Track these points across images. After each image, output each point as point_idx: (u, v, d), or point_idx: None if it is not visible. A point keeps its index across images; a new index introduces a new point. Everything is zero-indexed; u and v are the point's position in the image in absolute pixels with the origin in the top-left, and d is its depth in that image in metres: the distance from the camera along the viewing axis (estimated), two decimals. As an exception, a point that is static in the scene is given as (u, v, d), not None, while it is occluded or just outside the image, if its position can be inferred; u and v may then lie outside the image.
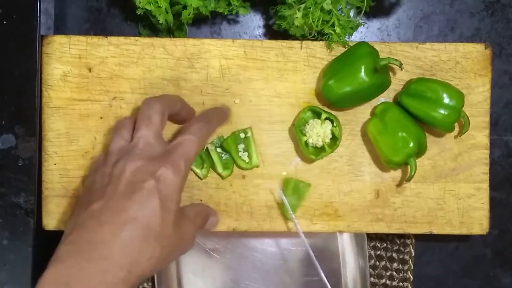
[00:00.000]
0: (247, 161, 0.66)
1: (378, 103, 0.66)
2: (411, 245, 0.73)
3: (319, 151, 0.65)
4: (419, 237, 0.74)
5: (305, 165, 0.67)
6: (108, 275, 0.48)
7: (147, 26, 0.73)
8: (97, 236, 0.49)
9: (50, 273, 0.49)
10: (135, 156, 0.53)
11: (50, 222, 0.66)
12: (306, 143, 0.64)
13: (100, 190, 0.53)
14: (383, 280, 0.73)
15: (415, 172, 0.63)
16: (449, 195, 0.67)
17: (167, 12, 0.65)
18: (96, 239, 0.49)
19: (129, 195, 0.51)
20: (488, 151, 0.67)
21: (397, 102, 0.66)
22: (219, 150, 0.66)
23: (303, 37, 0.66)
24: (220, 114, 0.63)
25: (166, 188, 0.52)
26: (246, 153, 0.66)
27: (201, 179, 0.66)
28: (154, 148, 0.55)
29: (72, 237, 0.50)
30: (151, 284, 0.73)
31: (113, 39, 0.66)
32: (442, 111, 0.63)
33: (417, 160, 0.64)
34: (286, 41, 0.67)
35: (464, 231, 0.67)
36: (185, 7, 0.65)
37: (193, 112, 0.63)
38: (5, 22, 0.64)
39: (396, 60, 0.63)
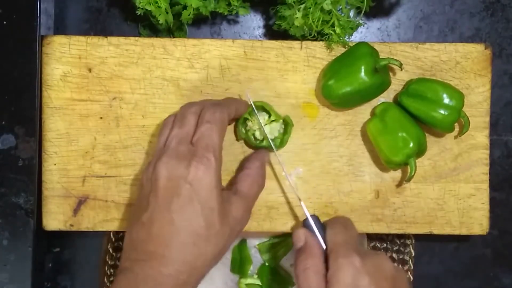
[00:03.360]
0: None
1: (378, 103, 0.66)
2: (411, 245, 0.73)
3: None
4: (419, 237, 0.74)
5: (305, 165, 0.67)
6: (171, 279, 0.51)
7: (147, 26, 0.73)
8: (153, 248, 0.52)
9: (120, 280, 0.52)
10: (166, 157, 0.54)
11: (50, 222, 0.66)
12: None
13: (144, 199, 0.55)
14: (383, 280, 0.73)
15: (415, 172, 0.63)
16: (449, 195, 0.67)
17: (167, 13, 0.65)
18: (153, 250, 0.52)
19: (169, 205, 0.53)
20: (488, 151, 0.67)
21: (397, 102, 0.66)
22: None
23: (303, 37, 0.66)
24: (235, 101, 0.62)
25: (202, 189, 0.53)
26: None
27: None
28: (182, 147, 0.55)
29: (132, 251, 0.53)
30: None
31: (113, 39, 0.66)
32: (442, 111, 0.63)
33: (417, 160, 0.64)
34: (286, 41, 0.67)
35: (464, 231, 0.67)
36: (185, 7, 0.65)
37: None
38: (5, 22, 0.64)
39: (396, 60, 0.63)
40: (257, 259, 0.72)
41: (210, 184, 0.53)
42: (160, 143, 0.58)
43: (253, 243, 0.73)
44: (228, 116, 0.59)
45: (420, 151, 0.64)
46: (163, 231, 0.52)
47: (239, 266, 0.72)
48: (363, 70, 0.62)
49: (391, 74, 0.66)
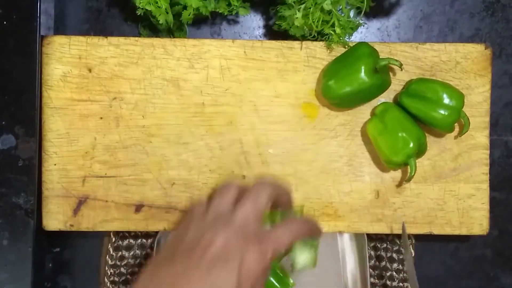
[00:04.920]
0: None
1: (378, 103, 0.66)
2: (411, 245, 0.73)
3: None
4: (419, 238, 0.74)
5: (305, 165, 0.67)
6: None
7: (147, 26, 0.73)
8: None
9: None
10: (230, 228, 0.53)
11: (50, 222, 0.66)
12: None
13: (186, 251, 0.53)
14: (383, 281, 0.73)
15: (415, 173, 0.63)
16: (449, 196, 0.67)
17: (167, 13, 0.65)
18: None
19: (211, 268, 0.51)
20: (488, 151, 0.67)
21: (397, 102, 0.66)
22: None
23: (303, 38, 0.66)
24: (314, 225, 0.60)
25: (247, 273, 0.52)
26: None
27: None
28: (250, 228, 0.54)
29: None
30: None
31: (113, 40, 0.66)
32: (442, 112, 0.63)
33: (417, 161, 0.64)
34: (286, 41, 0.67)
35: (464, 231, 0.67)
36: (185, 7, 0.65)
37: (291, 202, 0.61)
38: (5, 22, 0.64)
39: (396, 60, 0.63)
40: (257, 259, 0.72)
41: (254, 273, 0.52)
42: (222, 206, 0.56)
43: (253, 243, 0.72)
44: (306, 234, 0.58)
45: (420, 151, 0.64)
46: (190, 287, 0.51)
47: (239, 266, 0.72)
48: (363, 70, 0.62)
49: (391, 74, 0.66)
